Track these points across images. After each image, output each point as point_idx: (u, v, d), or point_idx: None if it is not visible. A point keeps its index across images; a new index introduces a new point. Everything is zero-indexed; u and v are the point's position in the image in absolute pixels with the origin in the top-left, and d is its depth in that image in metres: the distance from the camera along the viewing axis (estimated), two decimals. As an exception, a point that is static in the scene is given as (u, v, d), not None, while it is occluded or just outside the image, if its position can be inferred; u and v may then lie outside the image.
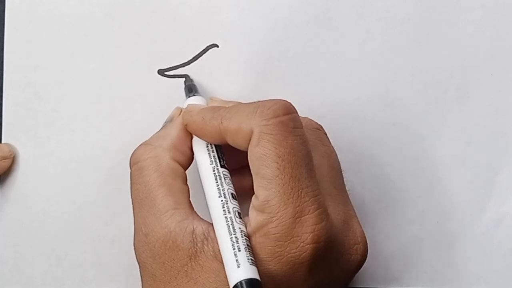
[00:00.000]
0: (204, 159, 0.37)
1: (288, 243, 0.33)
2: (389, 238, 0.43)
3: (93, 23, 0.43)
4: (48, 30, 0.43)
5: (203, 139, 0.38)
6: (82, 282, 0.44)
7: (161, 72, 0.43)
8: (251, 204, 0.35)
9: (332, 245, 0.34)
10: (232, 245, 0.33)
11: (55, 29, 0.43)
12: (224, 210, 0.35)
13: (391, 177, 0.44)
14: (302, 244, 0.33)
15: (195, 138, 0.39)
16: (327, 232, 0.34)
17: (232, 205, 0.35)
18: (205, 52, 0.43)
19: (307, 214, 0.33)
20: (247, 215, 0.35)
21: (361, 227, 0.37)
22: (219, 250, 0.34)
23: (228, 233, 0.34)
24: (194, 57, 0.43)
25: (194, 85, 0.42)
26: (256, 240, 0.34)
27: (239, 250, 0.33)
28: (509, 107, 0.44)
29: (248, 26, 0.43)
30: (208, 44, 0.43)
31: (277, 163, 0.33)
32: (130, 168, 0.38)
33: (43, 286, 0.44)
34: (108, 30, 0.43)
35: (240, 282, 0.32)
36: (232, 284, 0.32)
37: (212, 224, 0.35)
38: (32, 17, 0.43)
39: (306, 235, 0.33)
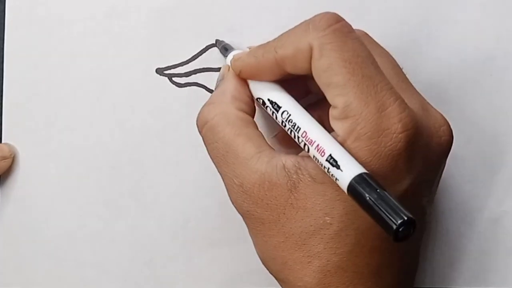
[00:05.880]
0: (276, 94, 0.37)
1: (382, 137, 0.33)
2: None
3: (93, 23, 0.43)
4: (48, 30, 0.43)
5: (262, 80, 0.38)
6: (82, 282, 0.44)
7: (160, 71, 0.43)
8: (330, 119, 0.34)
9: (420, 131, 0.34)
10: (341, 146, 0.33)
11: (55, 29, 0.43)
12: (318, 123, 0.35)
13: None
14: (394, 135, 0.33)
15: (252, 86, 0.38)
16: (413, 118, 0.34)
17: None
18: (204, 52, 0.43)
19: (389, 106, 0.33)
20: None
21: (438, 111, 0.37)
22: (315, 174, 0.34)
23: (332, 138, 0.34)
24: (193, 56, 0.43)
25: (228, 44, 0.42)
26: (350, 146, 0.33)
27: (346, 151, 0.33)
28: (509, 107, 0.44)
29: (248, 26, 0.43)
30: (208, 44, 0.43)
31: (346, 67, 0.33)
32: (200, 132, 0.38)
33: (43, 286, 0.44)
34: (108, 30, 0.43)
35: (363, 174, 0.31)
36: (351, 177, 0.31)
37: (298, 155, 0.35)
38: (32, 17, 0.43)
39: (395, 125, 0.33)
